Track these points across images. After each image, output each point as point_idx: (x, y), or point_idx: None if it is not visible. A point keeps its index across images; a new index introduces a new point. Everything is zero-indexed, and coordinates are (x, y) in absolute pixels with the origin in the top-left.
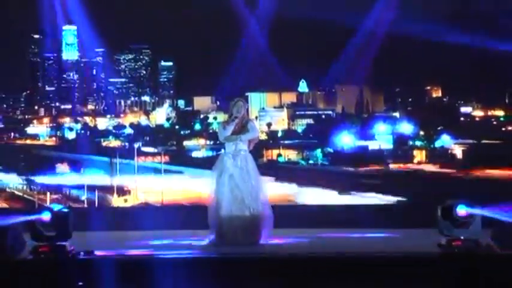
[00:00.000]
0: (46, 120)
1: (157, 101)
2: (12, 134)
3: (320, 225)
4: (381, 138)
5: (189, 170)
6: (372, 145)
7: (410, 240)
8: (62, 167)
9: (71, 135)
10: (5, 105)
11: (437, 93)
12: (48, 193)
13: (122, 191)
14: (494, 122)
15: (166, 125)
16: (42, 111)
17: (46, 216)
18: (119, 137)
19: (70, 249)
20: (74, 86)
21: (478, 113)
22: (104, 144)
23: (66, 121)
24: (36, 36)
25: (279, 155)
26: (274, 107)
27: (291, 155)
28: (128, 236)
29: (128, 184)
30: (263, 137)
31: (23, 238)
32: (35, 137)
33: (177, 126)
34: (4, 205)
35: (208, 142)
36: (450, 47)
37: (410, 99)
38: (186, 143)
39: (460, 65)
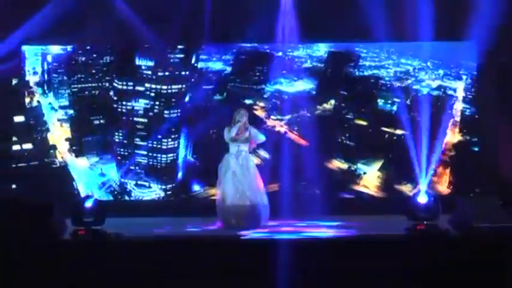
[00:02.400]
0: None
1: None
2: None
3: (310, 213)
4: None
5: None
6: None
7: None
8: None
9: None
10: None
11: None
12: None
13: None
14: None
15: None
16: None
17: (89, 204)
18: None
19: (103, 232)
20: None
21: None
22: None
23: None
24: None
25: None
26: None
27: None
28: (150, 221)
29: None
30: None
31: (65, 223)
32: None
33: None
34: None
35: None
36: None
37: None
38: None
39: None
